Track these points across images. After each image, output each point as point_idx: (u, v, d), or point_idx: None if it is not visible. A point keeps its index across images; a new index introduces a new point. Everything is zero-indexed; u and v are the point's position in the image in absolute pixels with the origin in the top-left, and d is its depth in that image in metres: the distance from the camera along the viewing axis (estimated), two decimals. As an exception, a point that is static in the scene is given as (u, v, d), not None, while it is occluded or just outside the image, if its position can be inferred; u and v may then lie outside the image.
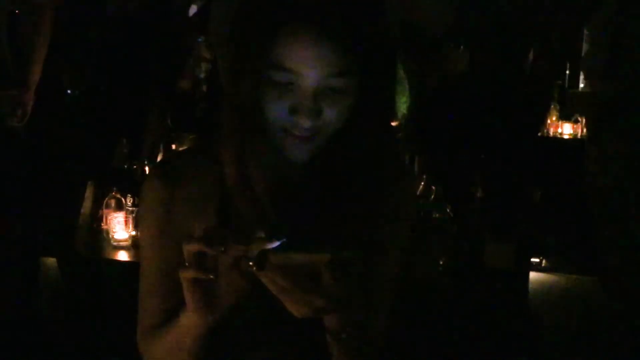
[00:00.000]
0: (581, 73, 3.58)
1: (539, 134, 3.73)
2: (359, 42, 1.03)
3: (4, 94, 2.22)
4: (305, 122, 1.05)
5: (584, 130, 3.94)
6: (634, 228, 2.51)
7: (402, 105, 2.93)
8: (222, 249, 0.98)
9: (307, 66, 1.02)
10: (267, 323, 1.17)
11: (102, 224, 2.79)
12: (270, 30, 1.02)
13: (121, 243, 2.71)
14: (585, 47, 2.97)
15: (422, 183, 2.83)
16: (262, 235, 0.97)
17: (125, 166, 3.15)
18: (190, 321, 1.08)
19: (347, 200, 1.14)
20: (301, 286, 0.99)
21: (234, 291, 1.04)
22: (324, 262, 0.98)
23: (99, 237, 2.79)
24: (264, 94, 1.05)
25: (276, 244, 0.97)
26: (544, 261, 3.31)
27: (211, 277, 1.00)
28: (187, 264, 1.01)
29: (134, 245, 2.69)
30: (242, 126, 1.09)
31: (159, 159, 3.31)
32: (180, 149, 3.20)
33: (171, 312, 1.18)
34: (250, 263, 0.97)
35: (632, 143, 2.47)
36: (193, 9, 3.82)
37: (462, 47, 2.77)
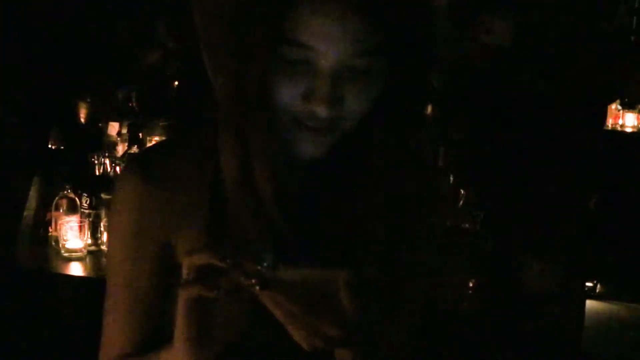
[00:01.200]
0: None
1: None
2: (390, 15, 1.03)
3: None
4: (322, 111, 1.05)
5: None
6: None
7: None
8: (235, 264, 0.99)
9: (328, 41, 1.02)
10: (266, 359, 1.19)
11: (51, 230, 2.80)
12: None
13: (75, 254, 2.72)
14: None
15: (449, 185, 2.84)
16: (271, 256, 0.99)
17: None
18: (173, 358, 1.09)
19: (368, 205, 1.15)
20: (312, 310, 1.00)
21: (231, 324, 1.06)
22: (341, 280, 1.00)
23: (45, 246, 2.80)
24: (272, 75, 1.05)
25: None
26: (599, 286, 3.33)
27: (219, 295, 1.00)
28: (187, 279, 1.02)
29: (90, 256, 2.71)
30: (245, 115, 1.10)
31: (121, 150, 3.34)
32: (150, 138, 3.23)
33: (144, 342, 1.21)
34: (253, 281, 0.98)
35: None
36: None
37: (504, 15, 2.77)
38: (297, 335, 1.01)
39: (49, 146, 3.51)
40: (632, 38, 3.86)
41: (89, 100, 3.61)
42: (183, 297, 1.03)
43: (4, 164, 3.22)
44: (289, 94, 1.06)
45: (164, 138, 3.22)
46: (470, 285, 2.72)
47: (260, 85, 1.06)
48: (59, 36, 3.33)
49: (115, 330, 1.24)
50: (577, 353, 2.86)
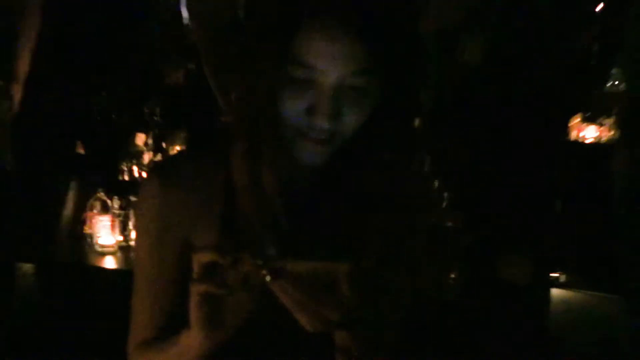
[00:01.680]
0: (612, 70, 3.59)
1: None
2: (385, 39, 1.03)
3: None
4: (324, 124, 1.05)
5: (611, 132, 3.93)
6: None
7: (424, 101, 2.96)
8: (236, 259, 0.99)
9: (329, 62, 1.02)
10: (273, 342, 1.18)
11: (86, 228, 2.80)
12: (292, 22, 1.02)
13: (106, 249, 2.71)
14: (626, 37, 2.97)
15: (434, 188, 2.83)
16: (274, 250, 0.99)
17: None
18: (191, 341, 1.09)
19: (364, 205, 1.15)
20: (315, 297, 1.00)
21: (241, 310, 1.07)
22: (341, 272, 1.00)
23: (81, 242, 2.79)
24: (279, 92, 1.05)
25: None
26: (563, 277, 3.33)
27: (224, 292, 1.01)
28: (197, 276, 1.02)
29: (121, 251, 2.70)
30: (255, 127, 1.09)
31: (147, 158, 3.33)
32: (172, 147, 3.22)
33: (167, 326, 1.20)
34: (264, 272, 0.98)
35: None
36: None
37: (478, 38, 2.76)
38: (302, 319, 1.01)
39: (84, 154, 3.52)
40: (592, 62, 3.87)
41: (120, 114, 3.62)
42: (194, 293, 1.03)
43: (42, 171, 3.22)
44: (294, 109, 1.06)
45: (183, 147, 3.23)
46: (452, 275, 2.71)
47: (269, 101, 1.06)
48: (94, 60, 3.33)
49: (143, 317, 1.24)
50: (544, 334, 2.86)
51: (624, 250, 2.78)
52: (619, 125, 2.72)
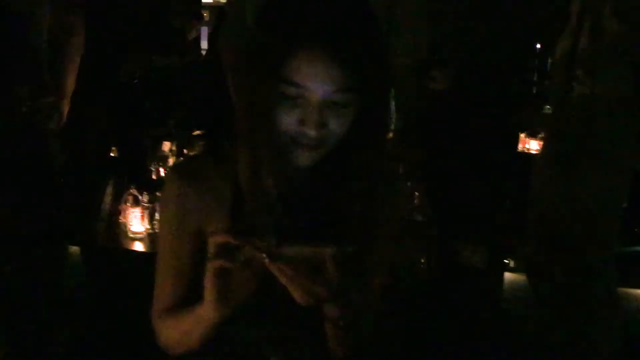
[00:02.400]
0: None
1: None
2: (362, 63, 1.03)
3: (43, 102, 2.23)
4: (312, 133, 1.05)
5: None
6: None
7: (394, 119, 2.96)
8: (244, 241, 0.99)
9: (316, 82, 1.03)
10: (272, 314, 1.17)
11: (121, 218, 2.78)
12: (284, 49, 1.02)
13: (137, 235, 2.69)
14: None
15: (406, 188, 2.82)
16: (272, 237, 0.99)
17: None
18: (205, 312, 1.08)
19: (347, 201, 1.14)
20: (307, 276, 1.00)
21: (246, 287, 1.05)
22: (328, 254, 1.00)
23: (117, 229, 2.77)
24: (275, 106, 1.05)
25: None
26: (512, 262, 3.33)
27: (235, 266, 1.01)
28: (212, 255, 1.02)
29: (149, 237, 2.69)
30: (256, 135, 1.09)
31: (171, 161, 3.31)
32: (192, 152, 3.21)
33: (183, 297, 1.19)
34: (264, 255, 0.98)
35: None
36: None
37: (444, 67, 2.75)
38: (296, 294, 1.02)
39: (119, 158, 3.53)
40: (534, 88, 3.90)
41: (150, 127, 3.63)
42: (209, 268, 1.03)
43: (86, 171, 3.22)
44: (287, 120, 1.06)
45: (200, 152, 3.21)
46: (422, 261, 2.70)
47: (265, 114, 1.05)
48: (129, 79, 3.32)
49: (164, 290, 1.23)
50: (497, 308, 2.86)
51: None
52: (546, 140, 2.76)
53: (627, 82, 2.29)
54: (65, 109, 2.58)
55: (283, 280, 1.01)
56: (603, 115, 2.36)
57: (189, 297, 1.15)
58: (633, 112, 2.34)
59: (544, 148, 2.74)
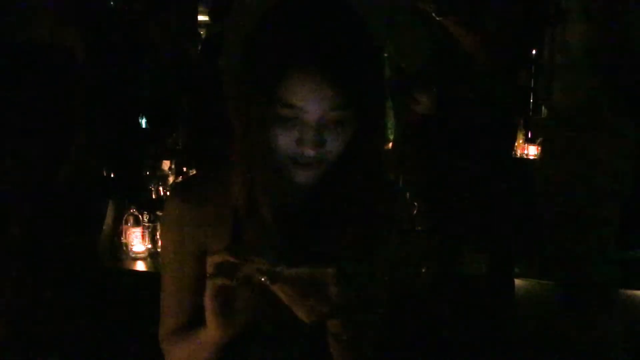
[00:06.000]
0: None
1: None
2: (357, 81, 1.03)
3: None
4: (310, 152, 1.05)
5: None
6: None
7: (390, 134, 2.97)
8: (243, 259, 0.99)
9: (312, 103, 1.03)
10: (278, 332, 1.17)
11: (122, 238, 2.79)
12: (279, 71, 1.02)
13: (138, 255, 2.70)
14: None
15: (406, 199, 2.83)
16: (270, 259, 0.99)
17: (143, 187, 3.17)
18: (208, 332, 1.08)
19: (346, 218, 1.14)
20: (309, 296, 1.00)
21: (248, 307, 1.05)
22: (329, 276, 1.00)
23: (119, 249, 2.78)
24: (272, 128, 1.05)
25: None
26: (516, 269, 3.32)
27: (234, 284, 1.00)
28: (211, 273, 1.02)
29: (150, 256, 2.69)
30: (250, 156, 1.09)
31: (171, 180, 3.32)
32: (191, 171, 3.22)
33: (189, 318, 1.19)
34: (263, 279, 0.98)
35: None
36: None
37: (430, 89, 2.76)
38: (299, 312, 1.02)
39: (116, 179, 3.54)
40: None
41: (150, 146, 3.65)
42: (209, 287, 1.03)
43: (86, 193, 3.24)
44: (285, 141, 1.06)
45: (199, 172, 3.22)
46: (423, 270, 2.71)
47: (260, 136, 1.05)
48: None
49: (169, 312, 1.23)
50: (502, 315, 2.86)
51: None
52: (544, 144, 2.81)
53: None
54: None
55: (285, 300, 1.01)
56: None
57: (196, 319, 1.15)
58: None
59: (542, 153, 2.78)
